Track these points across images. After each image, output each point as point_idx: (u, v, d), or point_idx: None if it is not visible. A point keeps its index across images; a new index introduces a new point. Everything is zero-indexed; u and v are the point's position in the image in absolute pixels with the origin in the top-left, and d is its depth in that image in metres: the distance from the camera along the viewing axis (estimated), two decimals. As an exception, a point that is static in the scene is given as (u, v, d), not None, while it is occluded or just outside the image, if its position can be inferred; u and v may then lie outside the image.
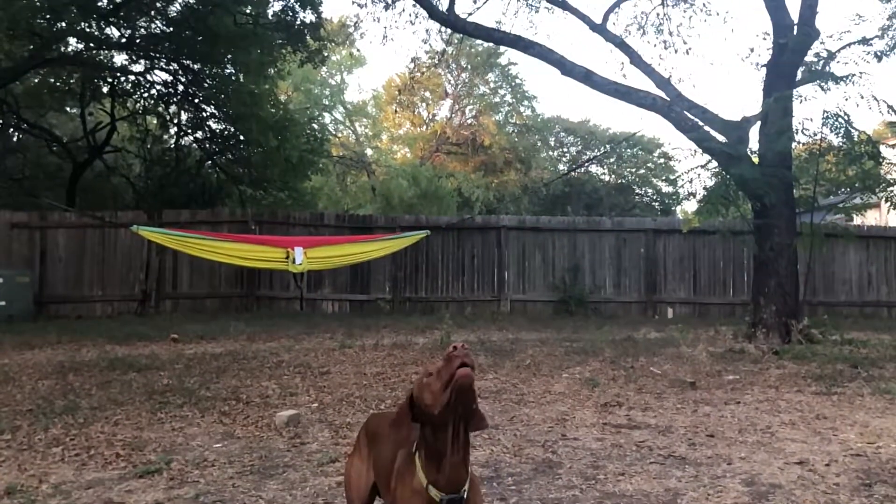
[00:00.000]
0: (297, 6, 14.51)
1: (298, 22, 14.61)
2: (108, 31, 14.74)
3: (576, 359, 7.66)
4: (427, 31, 14.59)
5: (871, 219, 18.73)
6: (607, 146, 30.44)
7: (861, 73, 8.64)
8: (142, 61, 15.91)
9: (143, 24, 14.82)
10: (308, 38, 14.82)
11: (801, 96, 9.36)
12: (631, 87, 10.24)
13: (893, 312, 14.65)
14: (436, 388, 1.89)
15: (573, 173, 29.08)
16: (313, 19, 14.81)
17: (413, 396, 1.98)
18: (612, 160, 32.44)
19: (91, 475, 3.73)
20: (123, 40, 14.88)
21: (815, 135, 9.11)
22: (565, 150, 34.23)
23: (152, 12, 14.32)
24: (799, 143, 9.38)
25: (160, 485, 3.57)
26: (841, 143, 9.11)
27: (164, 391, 5.83)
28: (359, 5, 13.61)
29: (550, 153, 33.82)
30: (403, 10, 13.60)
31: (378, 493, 2.34)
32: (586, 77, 10.19)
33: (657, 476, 3.67)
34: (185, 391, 5.80)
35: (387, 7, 13.39)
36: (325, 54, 16.69)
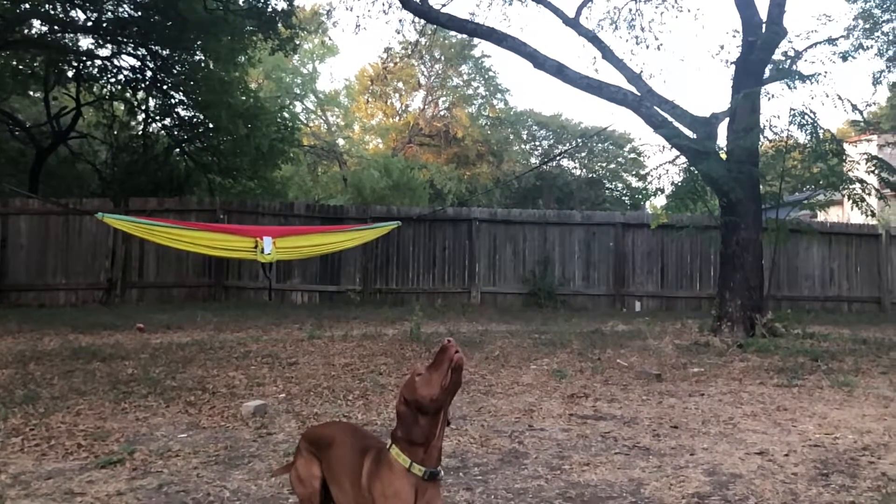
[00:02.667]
0: (268, -7, 14.34)
1: (270, 9, 14.42)
2: (73, 13, 14.43)
3: (544, 350, 7.71)
4: (400, 21, 14.54)
5: (833, 215, 19.13)
6: (579, 140, 30.65)
7: (826, 72, 8.82)
8: (108, 46, 15.59)
9: (111, 7, 14.52)
10: (280, 25, 14.64)
11: (769, 94, 9.55)
12: (603, 82, 10.30)
13: (853, 307, 14.99)
14: (434, 378, 2.11)
15: (545, 167, 29.20)
16: (285, 7, 14.64)
17: (405, 399, 2.16)
18: (583, 154, 32.69)
19: (51, 466, 3.67)
20: (90, 24, 14.55)
21: (782, 132, 9.28)
22: (537, 143, 34.39)
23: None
24: (766, 139, 9.54)
25: (122, 475, 3.53)
26: (807, 141, 9.28)
27: (129, 381, 5.75)
28: (332, -7, 13.48)
29: (522, 146, 33.95)
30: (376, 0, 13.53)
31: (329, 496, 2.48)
32: (559, 71, 10.23)
33: (621, 466, 3.72)
34: (150, 381, 5.72)
35: (360, -5, 13.30)
36: (297, 42, 16.53)
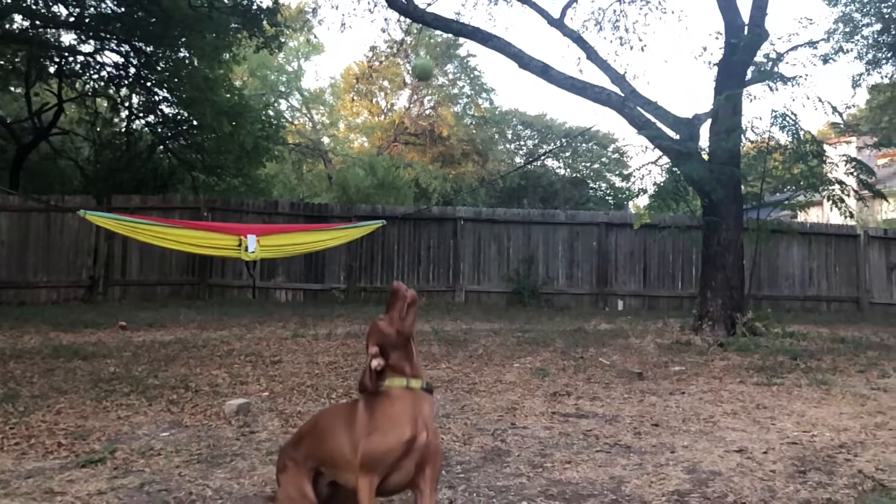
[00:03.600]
0: (254, -10, 14.29)
1: (255, 6, 14.38)
2: (55, 8, 14.28)
3: (527, 349, 7.75)
4: (386, 19, 14.52)
5: (813, 216, 19.34)
6: (563, 140, 30.78)
7: (807, 75, 8.91)
8: (91, 41, 15.45)
9: (94, 3, 14.39)
10: (265, 23, 14.59)
11: (751, 95, 9.63)
12: (587, 83, 10.35)
13: (832, 306, 15.19)
14: (395, 316, 2.43)
15: (529, 166, 29.30)
16: (270, 4, 14.59)
17: (378, 343, 2.46)
18: (567, 154, 32.82)
19: (31, 465, 3.65)
20: (72, 19, 14.43)
21: (764, 133, 9.38)
22: (522, 143, 34.50)
23: (103, -9, 13.94)
24: (748, 140, 9.64)
25: (103, 474, 3.51)
26: (789, 142, 9.38)
27: (111, 379, 5.71)
28: (317, -9, 13.47)
29: (507, 146, 34.04)
30: (362, -2, 13.51)
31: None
32: (543, 71, 10.27)
33: (603, 464, 3.75)
34: (132, 379, 5.69)
35: (345, -6, 13.28)
36: (282, 40, 16.47)
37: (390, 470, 2.34)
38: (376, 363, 2.44)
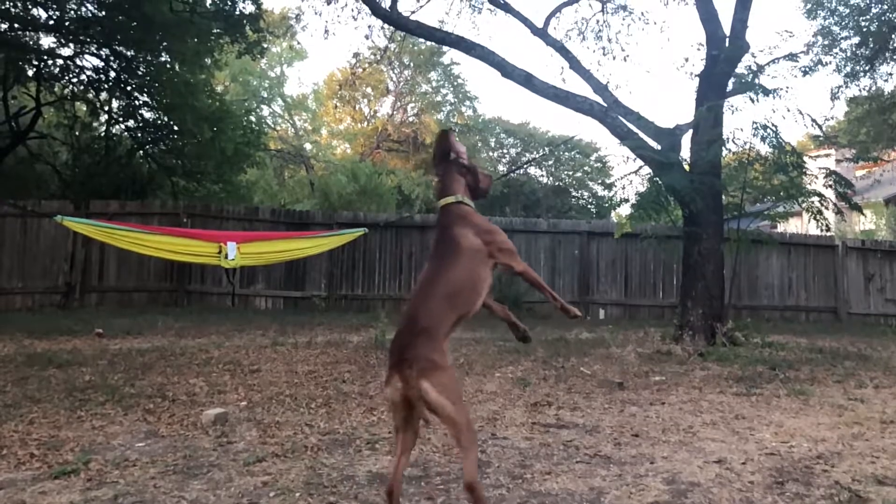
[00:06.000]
0: (236, -5, 14.22)
1: (237, 12, 14.31)
2: (34, 11, 14.12)
3: (508, 358, 7.74)
4: (370, 27, 14.55)
5: (793, 226, 19.57)
6: (546, 149, 30.92)
7: (788, 87, 9.01)
8: (71, 45, 15.28)
9: (74, 6, 14.25)
10: (247, 28, 14.53)
11: (732, 106, 9.72)
12: (570, 92, 10.41)
13: (811, 316, 15.34)
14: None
15: (512, 174, 29.38)
16: (253, 10, 14.54)
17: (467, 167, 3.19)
18: (550, 163, 32.96)
19: (2, 476, 3.57)
20: (51, 22, 14.27)
21: (745, 144, 9.46)
22: (505, 151, 34.60)
23: (83, -6, 13.80)
24: (729, 151, 9.72)
25: (77, 486, 3.44)
26: (770, 153, 9.47)
27: (86, 388, 5.63)
28: (300, -3, 13.43)
29: (490, 154, 34.12)
30: (346, 6, 13.54)
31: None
32: (526, 80, 10.30)
33: (582, 475, 3.74)
34: (107, 388, 5.61)
35: (329, 1, 13.30)
36: (265, 46, 16.40)
37: None
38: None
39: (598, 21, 13.44)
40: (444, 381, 2.59)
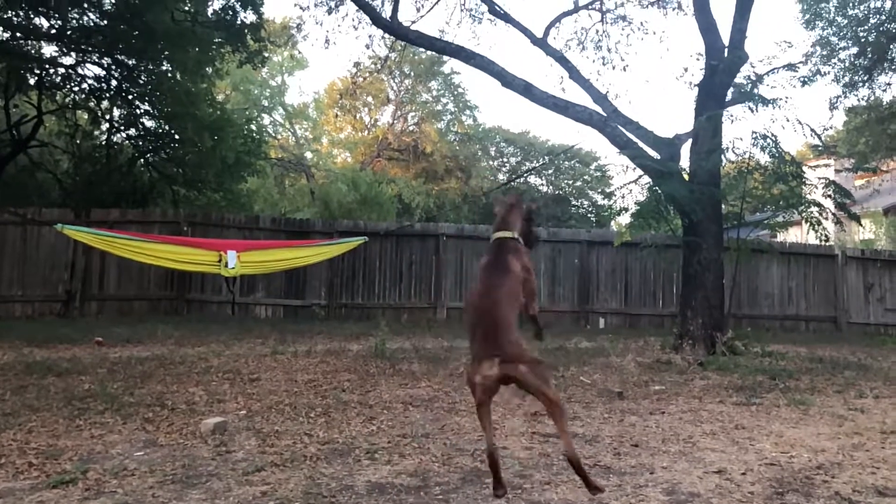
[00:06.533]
0: (237, 6, 14.27)
1: (239, 22, 14.36)
2: (36, 20, 14.17)
3: (508, 368, 7.71)
4: (370, 36, 14.63)
5: (792, 235, 19.57)
6: (546, 158, 30.97)
7: (787, 97, 9.04)
8: (73, 54, 15.32)
9: (76, 15, 14.30)
10: (248, 38, 14.58)
11: (731, 116, 9.75)
12: (569, 102, 10.44)
13: (811, 326, 15.33)
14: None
15: (512, 183, 29.39)
16: (254, 20, 14.59)
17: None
18: (550, 172, 33.01)
19: (1, 485, 3.57)
20: (53, 31, 14.32)
21: (745, 153, 9.48)
22: (505, 160, 34.66)
23: (85, 4, 13.82)
24: (728, 161, 9.74)
25: (75, 495, 3.44)
26: (769, 162, 9.49)
27: (85, 397, 5.62)
28: (301, 8, 13.55)
29: (490, 162, 34.18)
30: (346, 15, 13.60)
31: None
32: (526, 90, 10.34)
33: (582, 485, 3.71)
34: (107, 397, 5.60)
35: (329, 11, 13.35)
36: (266, 55, 16.45)
37: None
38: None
39: (597, 31, 13.55)
40: (538, 368, 3.13)
